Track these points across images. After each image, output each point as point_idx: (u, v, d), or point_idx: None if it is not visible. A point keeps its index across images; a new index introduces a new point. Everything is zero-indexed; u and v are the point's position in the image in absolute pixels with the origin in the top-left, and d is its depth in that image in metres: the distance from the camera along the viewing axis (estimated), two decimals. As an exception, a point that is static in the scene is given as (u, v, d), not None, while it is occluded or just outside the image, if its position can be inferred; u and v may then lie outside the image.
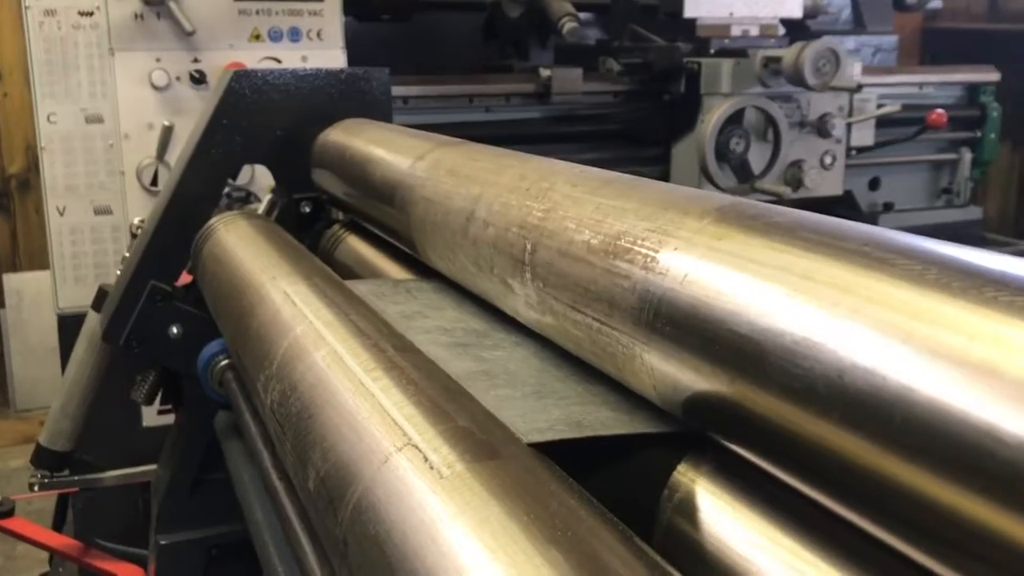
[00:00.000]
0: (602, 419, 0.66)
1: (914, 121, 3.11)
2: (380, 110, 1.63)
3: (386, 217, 1.18)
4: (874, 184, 3.27)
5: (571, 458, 0.64)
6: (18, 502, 2.08)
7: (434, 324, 0.90)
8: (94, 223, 2.29)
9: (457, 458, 0.57)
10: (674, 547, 0.62)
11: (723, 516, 0.61)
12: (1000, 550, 0.39)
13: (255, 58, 2.34)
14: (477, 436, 0.60)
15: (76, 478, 1.74)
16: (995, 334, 0.40)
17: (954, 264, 0.46)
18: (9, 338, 4.08)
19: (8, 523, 1.79)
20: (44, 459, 1.72)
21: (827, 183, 2.97)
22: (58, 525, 2.31)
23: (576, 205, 0.73)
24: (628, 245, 0.64)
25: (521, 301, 0.79)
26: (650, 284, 0.61)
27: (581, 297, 0.68)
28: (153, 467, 1.76)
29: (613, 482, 0.67)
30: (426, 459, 0.58)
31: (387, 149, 1.22)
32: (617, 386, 0.71)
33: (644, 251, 0.63)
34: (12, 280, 4.08)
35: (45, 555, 2.97)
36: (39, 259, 3.91)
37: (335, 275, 1.09)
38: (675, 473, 0.64)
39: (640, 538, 0.55)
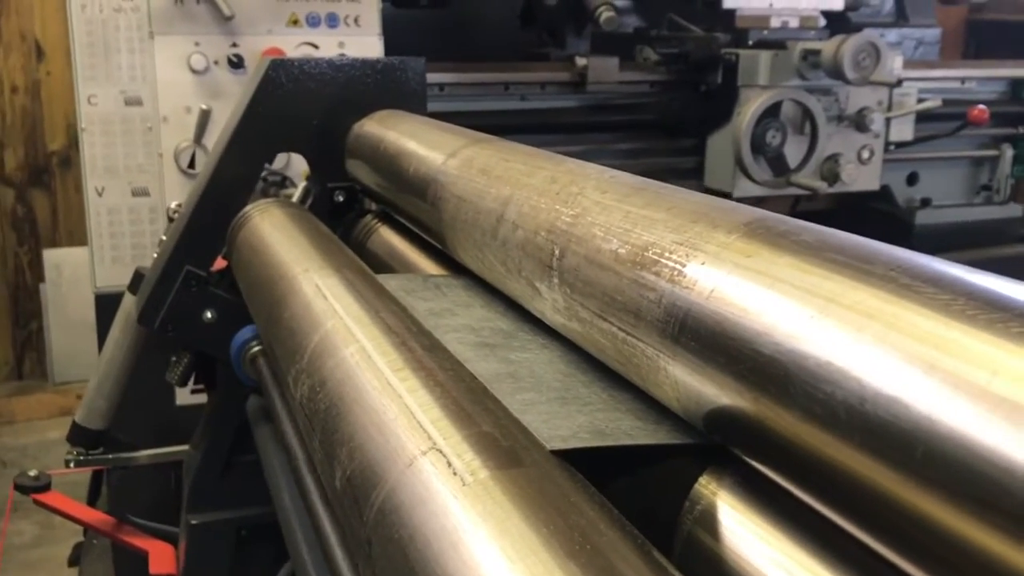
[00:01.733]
0: (625, 428, 0.67)
1: (955, 116, 3.07)
2: (415, 100, 1.64)
3: (418, 211, 1.19)
4: (912, 179, 3.23)
5: (594, 465, 0.65)
6: (55, 475, 2.13)
7: (462, 323, 0.91)
8: (132, 204, 2.32)
9: (480, 465, 0.58)
10: (694, 559, 0.63)
11: (743, 530, 0.61)
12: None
13: (293, 43, 2.35)
14: (501, 443, 0.61)
15: (110, 456, 1.77)
16: (1019, 370, 0.40)
17: (982, 295, 0.46)
18: (49, 312, 4.16)
19: (45, 497, 1.83)
20: (79, 436, 1.75)
21: (864, 178, 2.94)
22: (92, 500, 2.36)
23: (605, 212, 0.74)
24: (655, 257, 0.64)
25: (548, 305, 0.80)
26: (676, 297, 0.61)
27: (607, 306, 0.69)
28: (185, 447, 1.80)
29: (635, 491, 0.67)
30: (450, 464, 0.59)
31: (420, 143, 1.23)
32: (642, 393, 0.72)
33: (671, 264, 0.63)
34: (52, 255, 4.15)
35: (80, 527, 3.04)
36: (78, 235, 3.97)
37: (366, 268, 1.11)
38: (697, 485, 0.65)
39: (660, 549, 0.55)
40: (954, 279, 0.48)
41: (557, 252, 0.77)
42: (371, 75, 1.62)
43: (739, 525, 0.61)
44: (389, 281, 1.04)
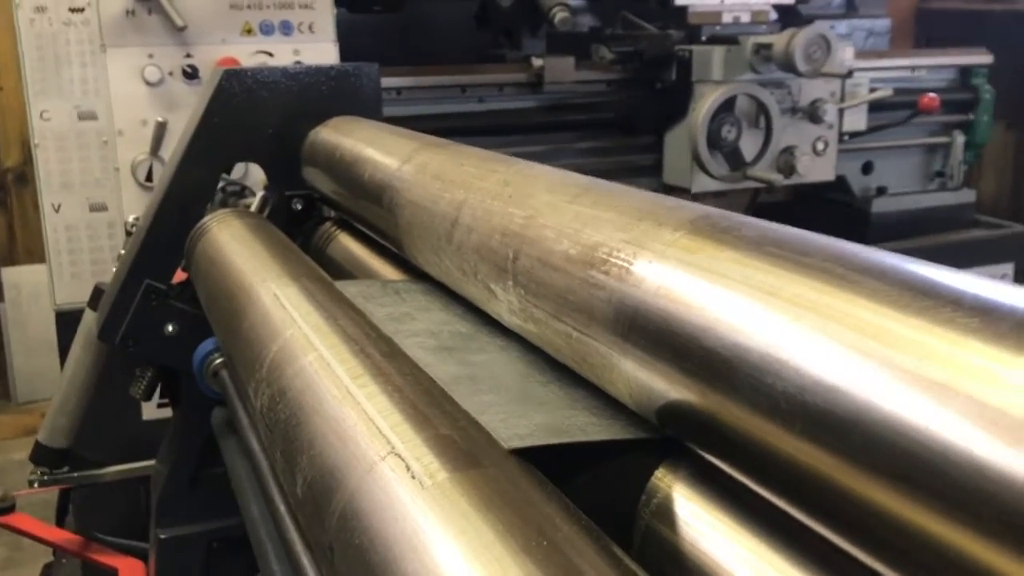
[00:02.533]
0: (581, 425, 0.68)
1: (907, 105, 3.12)
2: (370, 106, 1.64)
3: (374, 217, 1.20)
4: (867, 168, 3.28)
5: (553, 462, 0.66)
6: (20, 495, 2.10)
7: (422, 327, 0.92)
8: (89, 220, 2.30)
9: (439, 467, 0.59)
10: (652, 551, 0.64)
11: (699, 521, 0.63)
12: (949, 561, 0.41)
13: (247, 52, 2.34)
14: (459, 444, 0.62)
15: (75, 474, 1.76)
16: (948, 354, 0.42)
17: (912, 283, 0.47)
18: (9, 331, 4.10)
19: (9, 519, 1.81)
20: (43, 456, 1.74)
21: (819, 169, 2.98)
22: (60, 518, 2.33)
23: (556, 213, 0.75)
24: (604, 256, 0.66)
25: (504, 307, 0.81)
26: (625, 296, 0.62)
27: (561, 306, 0.70)
28: (152, 462, 1.78)
29: (594, 486, 0.68)
30: (408, 468, 0.60)
31: (375, 149, 1.24)
32: (598, 391, 0.73)
33: (620, 262, 0.64)
34: (10, 274, 4.09)
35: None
36: (37, 253, 3.91)
37: (325, 276, 1.11)
38: (653, 478, 0.66)
39: (619, 542, 0.56)
40: (887, 268, 0.50)
41: (511, 255, 0.78)
42: (325, 82, 1.62)
43: (695, 517, 0.63)
44: (348, 288, 1.05)
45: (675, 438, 0.64)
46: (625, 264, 0.63)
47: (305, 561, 0.96)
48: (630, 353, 0.62)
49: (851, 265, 0.51)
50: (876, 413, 0.43)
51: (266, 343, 0.92)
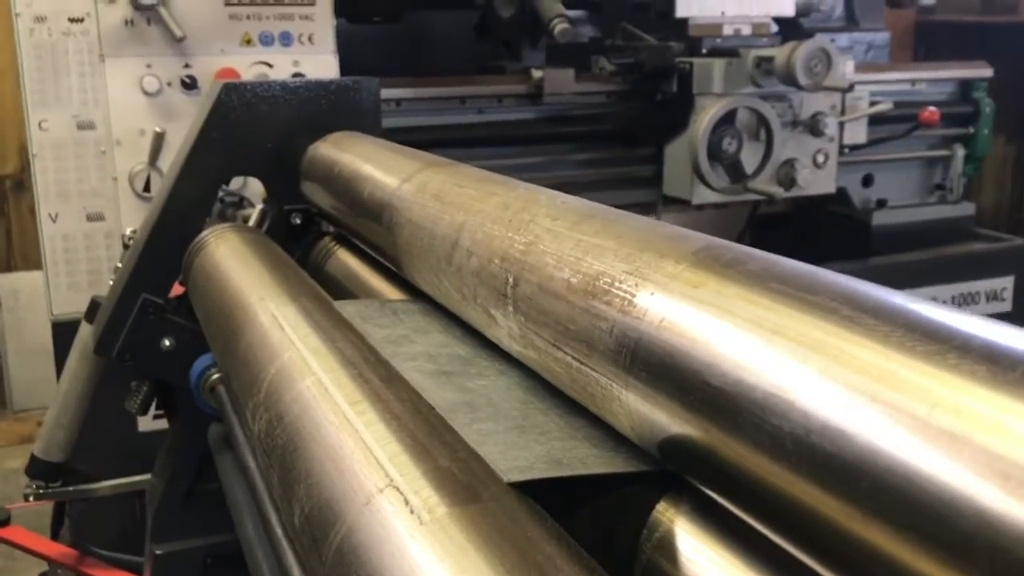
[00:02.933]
0: (582, 457, 0.67)
1: (907, 118, 3.12)
2: (370, 120, 1.64)
3: (373, 235, 1.19)
4: (867, 181, 3.28)
5: (554, 493, 0.65)
6: (15, 508, 2.09)
7: (420, 350, 0.91)
8: (87, 229, 2.29)
9: (438, 501, 0.58)
10: (653, 585, 0.63)
11: (701, 557, 0.62)
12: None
13: (246, 63, 2.34)
14: (458, 478, 0.61)
15: (70, 488, 1.75)
16: (956, 402, 0.41)
17: (920, 326, 0.47)
18: (5, 339, 4.09)
19: (4, 532, 1.80)
20: (38, 469, 1.73)
21: (820, 181, 2.98)
22: (56, 531, 2.32)
23: (556, 240, 0.74)
24: (606, 286, 0.65)
25: (504, 333, 0.80)
26: (627, 327, 0.62)
27: (561, 335, 0.69)
28: (147, 476, 1.77)
29: (595, 519, 0.68)
30: (407, 502, 0.59)
31: (375, 167, 1.23)
32: (599, 420, 0.72)
33: (622, 293, 0.63)
34: (8, 280, 4.08)
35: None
36: (34, 260, 3.90)
37: (324, 294, 1.10)
38: (655, 511, 0.65)
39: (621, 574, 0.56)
40: (893, 309, 0.49)
41: (511, 280, 0.77)
42: (325, 96, 1.62)
43: (696, 552, 0.62)
44: (346, 307, 1.04)
45: (676, 473, 0.63)
46: (627, 295, 0.63)
47: (292, 562, 0.95)
48: (632, 386, 0.61)
49: (858, 305, 0.50)
50: (883, 460, 0.42)
51: (264, 365, 0.91)
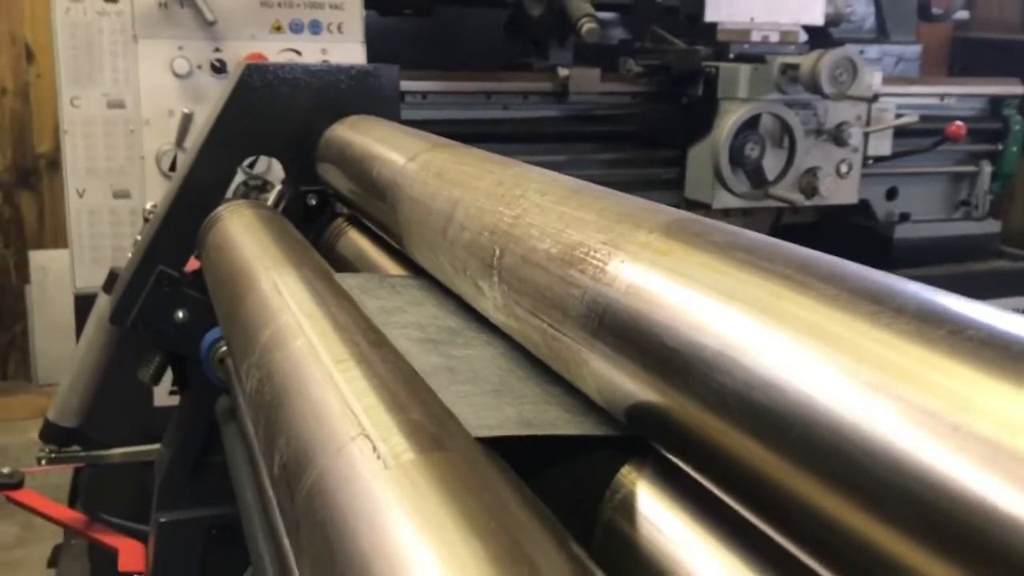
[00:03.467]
0: (551, 419, 0.69)
1: (934, 132, 3.11)
2: (389, 106, 1.67)
3: (379, 214, 1.21)
4: (891, 194, 3.27)
5: (525, 456, 0.67)
6: (36, 477, 2.14)
7: (411, 320, 0.93)
8: (113, 206, 2.34)
9: (405, 448, 0.60)
10: (612, 545, 0.65)
11: (659, 518, 0.63)
12: (879, 561, 0.42)
13: (275, 49, 2.38)
14: (427, 429, 0.63)
15: (83, 453, 1.79)
16: (882, 357, 0.43)
17: (865, 290, 0.48)
18: (33, 314, 4.17)
19: (17, 495, 1.85)
20: (52, 434, 1.77)
21: (842, 192, 2.97)
22: (73, 500, 2.37)
23: (542, 213, 0.76)
24: (582, 255, 0.67)
25: (490, 303, 0.82)
26: (597, 294, 0.63)
27: (539, 303, 0.71)
28: (158, 446, 1.81)
29: (560, 481, 0.69)
30: (375, 449, 0.61)
31: (385, 147, 1.26)
32: (574, 388, 0.74)
33: (595, 262, 0.65)
34: (38, 257, 4.16)
35: (59, 529, 3.05)
36: (64, 237, 3.98)
37: (327, 267, 1.13)
38: (618, 475, 0.67)
39: (582, 535, 0.58)
40: (844, 276, 0.51)
41: (497, 252, 0.79)
42: (345, 80, 1.65)
43: (655, 513, 0.64)
44: (346, 279, 1.07)
45: (641, 437, 0.65)
46: (600, 263, 0.65)
47: (287, 542, 0.98)
48: (599, 350, 0.63)
49: (811, 271, 0.52)
50: (814, 410, 0.44)
51: (260, 328, 0.94)
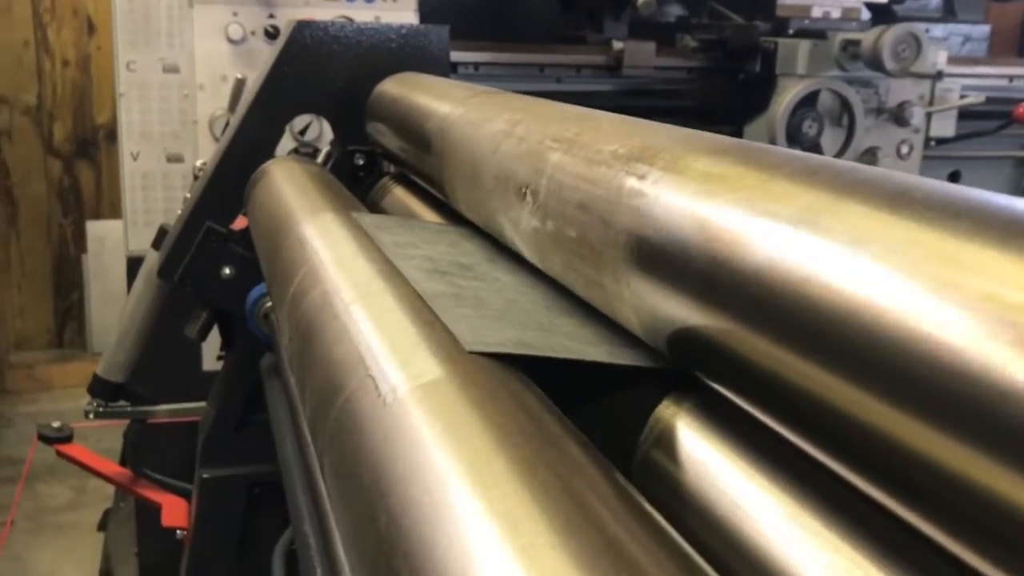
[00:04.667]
0: (552, 344, 0.66)
1: (1001, 115, 3.01)
2: (438, 66, 1.65)
3: (425, 166, 1.20)
4: (953, 177, 3.17)
5: (560, 391, 0.65)
6: (89, 441, 2.17)
7: (422, 254, 0.91)
8: (166, 170, 2.36)
9: (403, 380, 0.57)
10: (650, 481, 0.63)
11: (700, 451, 0.61)
12: (953, 491, 0.38)
13: (329, 16, 2.36)
14: (428, 355, 0.60)
15: (129, 409, 1.80)
16: (954, 264, 0.40)
17: (929, 199, 0.45)
18: (89, 283, 4.24)
19: (67, 448, 1.87)
20: (100, 388, 1.79)
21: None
22: (123, 462, 2.40)
23: (588, 138, 0.74)
24: (624, 177, 0.64)
25: (523, 232, 0.80)
26: (641, 216, 0.61)
27: (579, 228, 0.69)
28: (203, 404, 1.82)
29: (597, 416, 0.67)
30: (376, 387, 0.58)
31: (433, 97, 1.24)
32: (584, 320, 0.72)
33: (639, 184, 0.63)
34: (95, 227, 4.23)
35: (111, 492, 3.10)
36: (120, 208, 4.04)
37: (353, 210, 1.10)
38: (657, 410, 0.64)
39: (619, 470, 0.55)
40: (955, 197, 0.46)
41: (539, 176, 0.77)
42: (395, 40, 1.63)
43: (696, 448, 0.61)
44: (364, 219, 1.04)
45: (675, 369, 0.62)
46: (644, 185, 0.62)
47: (327, 501, 0.97)
48: (639, 276, 0.60)
49: (859, 180, 0.49)
50: (916, 346, 0.40)
51: (291, 277, 0.93)
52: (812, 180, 0.51)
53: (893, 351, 0.40)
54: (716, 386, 0.58)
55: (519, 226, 0.79)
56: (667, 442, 0.62)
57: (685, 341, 0.58)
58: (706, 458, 0.60)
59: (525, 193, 0.76)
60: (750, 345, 0.51)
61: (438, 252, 0.91)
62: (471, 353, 0.59)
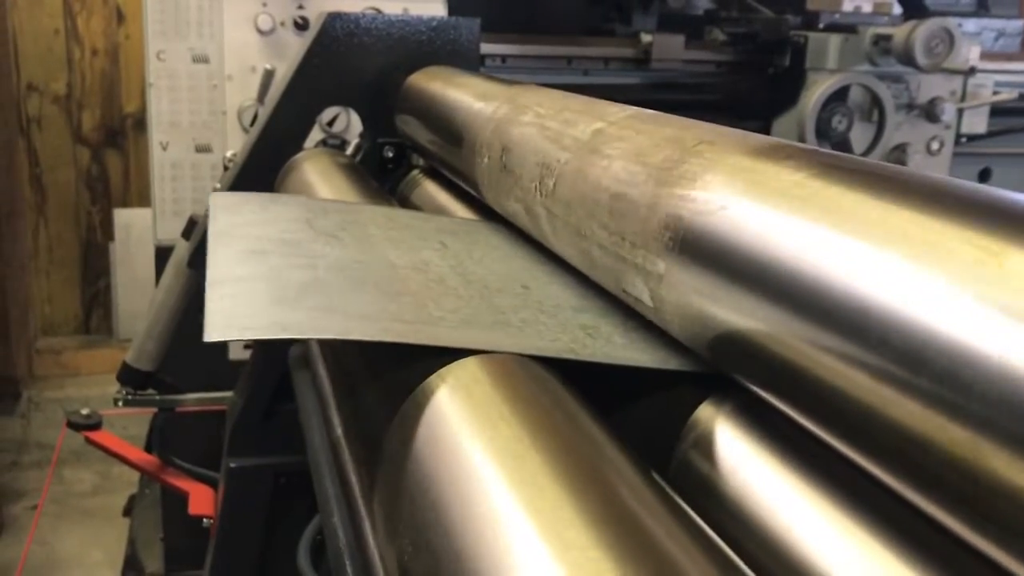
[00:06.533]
0: (594, 351, 0.66)
1: (1034, 111, 2.97)
2: (468, 59, 1.65)
3: (457, 160, 1.20)
4: (984, 175, 3.13)
5: (599, 393, 0.64)
6: (116, 428, 2.18)
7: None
8: (194, 160, 2.37)
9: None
10: (688, 483, 0.62)
11: (739, 455, 0.60)
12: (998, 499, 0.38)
13: (358, 7, 2.36)
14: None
15: (157, 397, 1.82)
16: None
17: (972, 204, 0.44)
18: (116, 270, 4.27)
19: (95, 435, 1.89)
20: (128, 376, 1.80)
21: (932, 170, 2.86)
22: (149, 447, 2.42)
23: (622, 132, 0.73)
24: (665, 173, 0.64)
25: (548, 226, 0.80)
26: (683, 212, 0.60)
27: (616, 221, 0.68)
28: (230, 393, 1.83)
29: (637, 418, 0.67)
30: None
31: (464, 93, 1.24)
32: (626, 321, 0.71)
33: (680, 180, 0.62)
34: (122, 215, 4.26)
35: (136, 478, 3.13)
36: (148, 196, 4.07)
37: (385, 204, 1.11)
38: (696, 412, 0.64)
39: (657, 471, 0.55)
40: (948, 190, 0.46)
41: (571, 168, 0.77)
42: (426, 32, 1.63)
43: (735, 452, 0.61)
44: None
45: (719, 372, 0.62)
46: (686, 181, 0.61)
47: (356, 490, 0.97)
48: (682, 272, 0.60)
49: (914, 188, 0.48)
50: (965, 352, 0.39)
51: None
52: (864, 184, 0.50)
53: (942, 359, 0.40)
54: (756, 389, 0.58)
55: (554, 224, 0.79)
56: (706, 444, 0.61)
57: (727, 344, 0.58)
58: (745, 461, 0.59)
59: (555, 188, 0.76)
60: (794, 350, 0.50)
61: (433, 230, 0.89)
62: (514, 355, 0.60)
